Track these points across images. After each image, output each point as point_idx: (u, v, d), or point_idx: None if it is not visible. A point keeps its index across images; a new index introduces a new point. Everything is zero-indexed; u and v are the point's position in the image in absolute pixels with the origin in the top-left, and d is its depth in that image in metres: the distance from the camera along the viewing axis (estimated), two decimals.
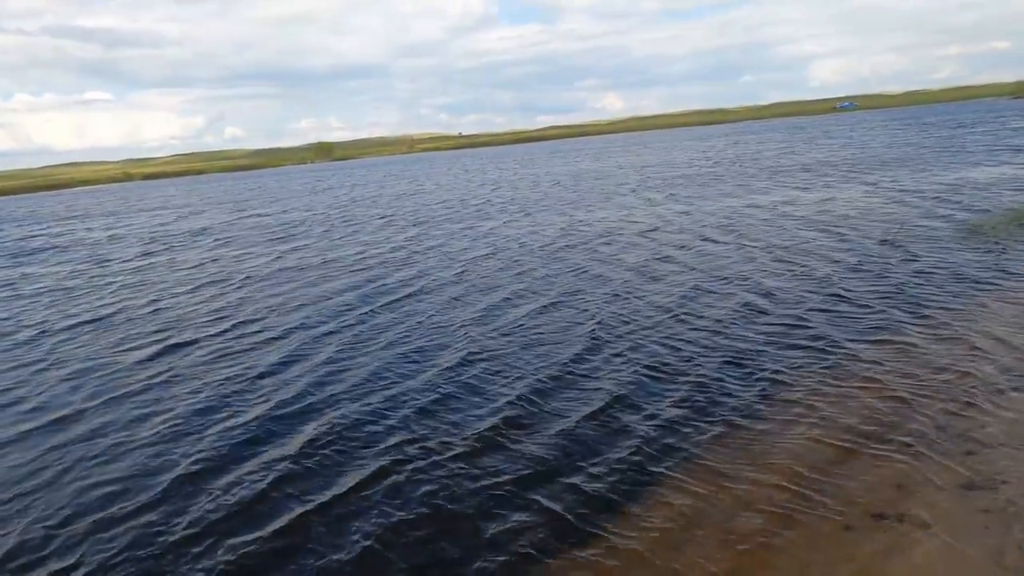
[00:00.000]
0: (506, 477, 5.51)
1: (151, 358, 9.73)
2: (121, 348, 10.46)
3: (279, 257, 18.49)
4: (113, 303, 14.05)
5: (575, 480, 5.39)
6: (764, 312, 9.27)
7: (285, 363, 8.90)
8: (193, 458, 6.30)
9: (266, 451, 6.35)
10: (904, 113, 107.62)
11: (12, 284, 17.86)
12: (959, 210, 15.60)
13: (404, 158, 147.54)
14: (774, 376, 7.04)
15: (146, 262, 19.95)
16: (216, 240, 24.05)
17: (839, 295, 9.69)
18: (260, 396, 7.79)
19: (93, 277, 17.92)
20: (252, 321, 11.40)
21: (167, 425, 7.16)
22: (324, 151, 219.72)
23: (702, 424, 6.14)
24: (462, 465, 5.76)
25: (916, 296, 9.32)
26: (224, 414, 7.35)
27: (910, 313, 8.63)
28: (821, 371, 7.10)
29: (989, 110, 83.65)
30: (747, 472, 5.32)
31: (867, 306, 9.04)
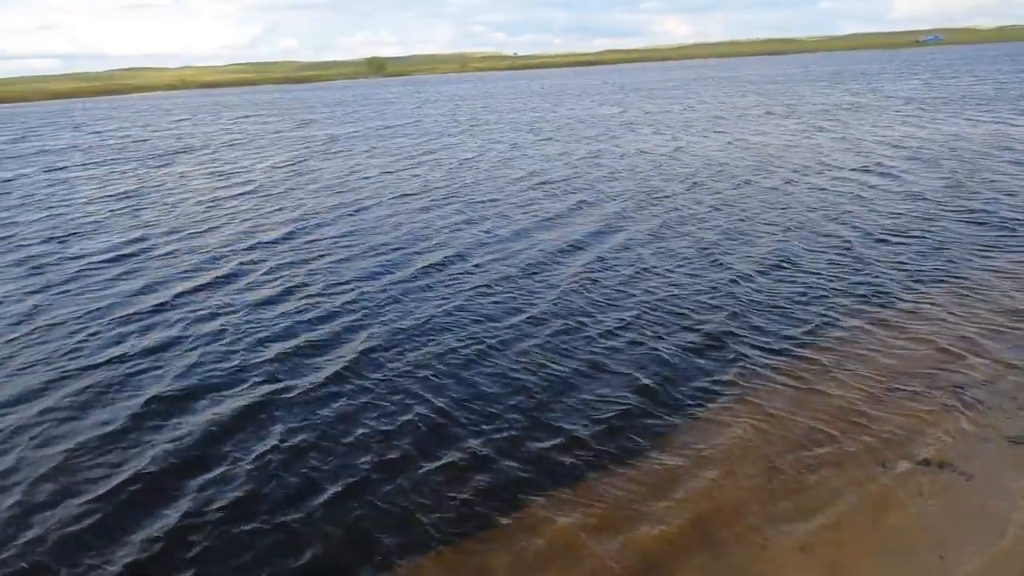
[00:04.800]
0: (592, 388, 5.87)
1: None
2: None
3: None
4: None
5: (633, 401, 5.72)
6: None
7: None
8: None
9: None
10: (998, 49, 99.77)
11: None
12: None
13: (462, 77, 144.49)
14: (827, 316, 7.11)
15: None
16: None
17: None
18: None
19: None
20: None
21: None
22: (376, 67, 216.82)
23: (759, 362, 6.32)
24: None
25: None
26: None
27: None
28: (875, 311, 7.18)
29: None
30: (792, 412, 5.46)
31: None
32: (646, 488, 4.69)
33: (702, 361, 6.43)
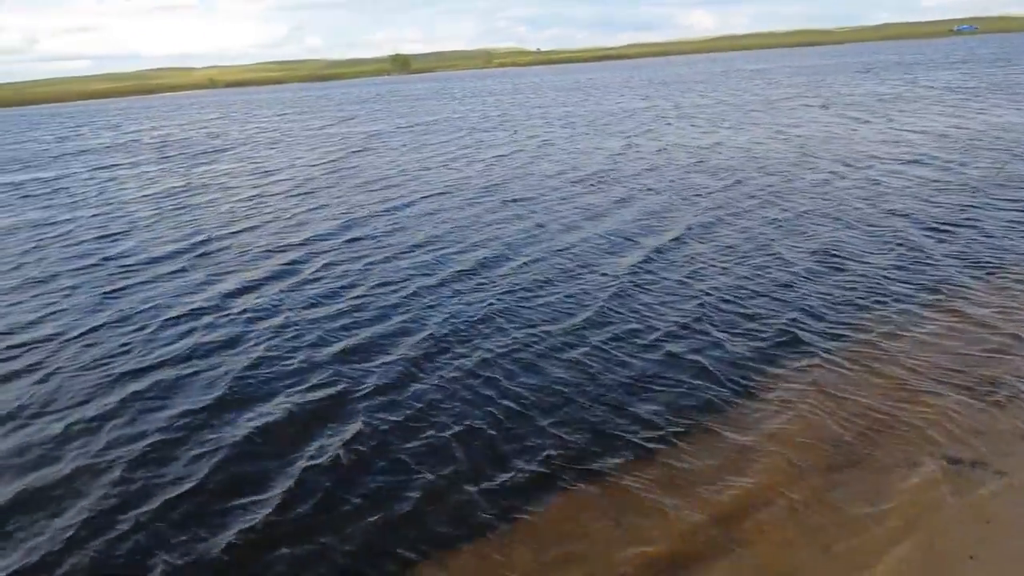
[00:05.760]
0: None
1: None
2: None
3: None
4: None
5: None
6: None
7: None
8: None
9: None
10: None
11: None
12: None
13: (486, 72, 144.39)
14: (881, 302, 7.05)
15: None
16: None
17: None
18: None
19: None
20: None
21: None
22: (401, 63, 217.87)
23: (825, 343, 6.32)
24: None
25: None
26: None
27: None
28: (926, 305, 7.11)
29: None
30: (830, 401, 5.49)
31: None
32: (717, 462, 4.82)
33: (769, 350, 6.40)
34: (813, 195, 12.56)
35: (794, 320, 7.01)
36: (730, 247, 9.73)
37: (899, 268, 8.36)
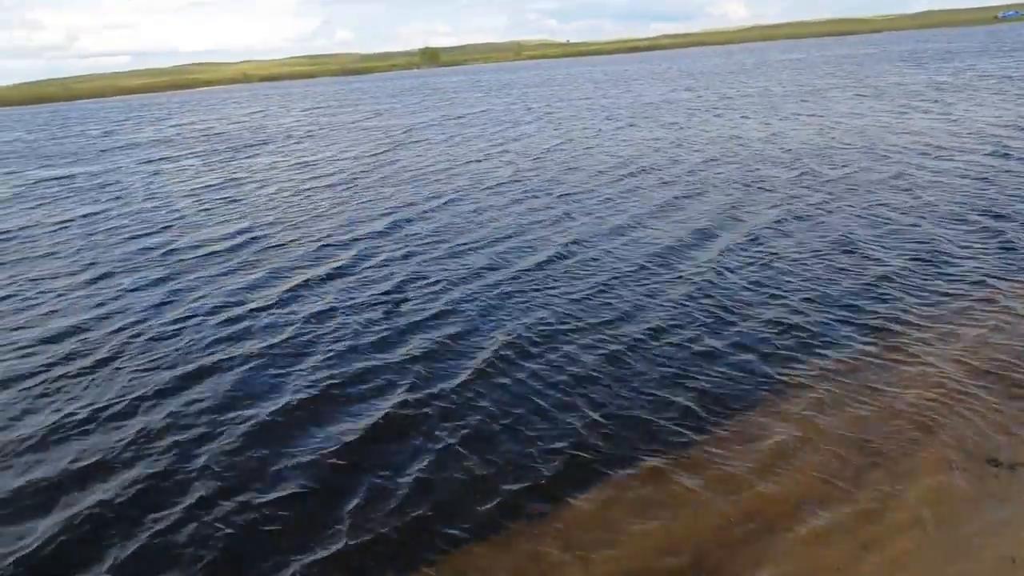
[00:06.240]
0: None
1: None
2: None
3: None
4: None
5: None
6: None
7: None
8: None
9: None
10: None
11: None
12: None
13: (516, 65, 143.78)
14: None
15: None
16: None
17: None
18: None
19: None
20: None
21: None
22: (430, 56, 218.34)
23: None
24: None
25: None
26: None
27: None
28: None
29: None
30: (878, 394, 5.35)
31: None
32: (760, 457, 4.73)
33: (869, 346, 6.04)
34: (887, 187, 11.97)
35: (897, 319, 6.61)
36: (805, 244, 9.28)
37: (989, 259, 7.97)
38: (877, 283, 7.60)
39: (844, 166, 13.99)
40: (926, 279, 7.63)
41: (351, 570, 4.00)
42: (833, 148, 16.06)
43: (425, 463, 4.89)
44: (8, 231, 13.86)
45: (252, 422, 5.57)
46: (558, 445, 5.00)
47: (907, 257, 8.37)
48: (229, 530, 4.37)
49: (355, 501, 4.54)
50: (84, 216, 14.80)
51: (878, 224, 9.86)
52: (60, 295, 9.38)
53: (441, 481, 4.71)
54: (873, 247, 8.85)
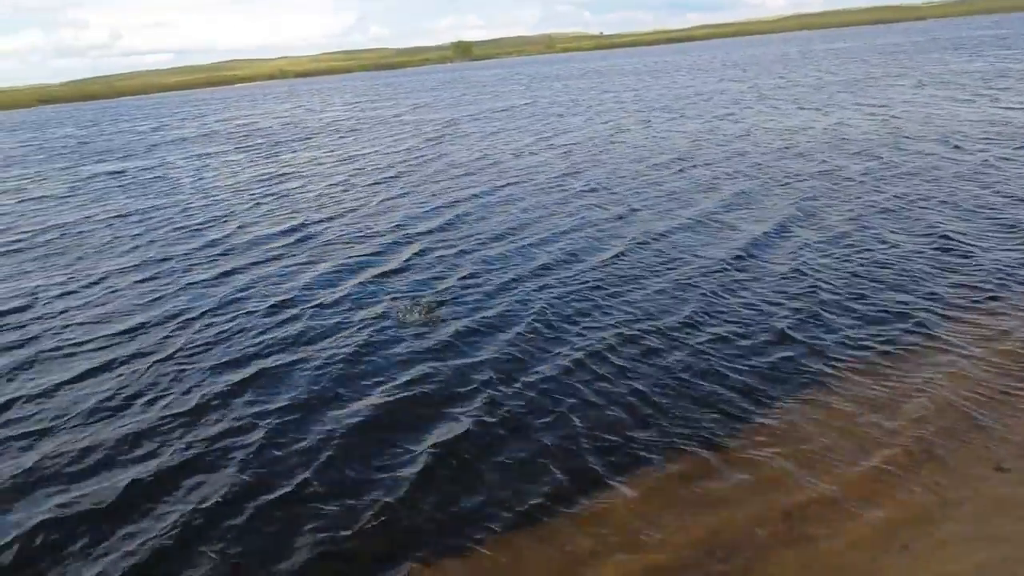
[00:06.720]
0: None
1: None
2: None
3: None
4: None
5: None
6: None
7: None
8: None
9: None
10: None
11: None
12: None
13: (550, 58, 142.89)
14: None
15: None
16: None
17: None
18: None
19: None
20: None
21: None
22: (463, 50, 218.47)
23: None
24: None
25: None
26: None
27: None
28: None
29: None
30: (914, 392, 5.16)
31: None
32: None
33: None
34: (921, 180, 11.38)
35: (908, 304, 6.45)
36: (836, 235, 8.96)
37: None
38: (904, 275, 7.38)
39: (874, 158, 13.44)
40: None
41: (382, 556, 4.00)
42: (866, 140, 15.34)
43: (464, 451, 4.92)
44: (65, 224, 13.98)
45: (304, 410, 5.61)
46: (598, 437, 4.96)
47: (932, 248, 8.17)
48: (278, 512, 4.42)
49: (395, 486, 4.59)
50: (138, 210, 14.86)
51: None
52: (117, 288, 9.39)
53: (481, 469, 4.72)
54: (898, 237, 8.63)
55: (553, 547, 3.97)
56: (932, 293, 6.87)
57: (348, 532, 4.19)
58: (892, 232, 8.86)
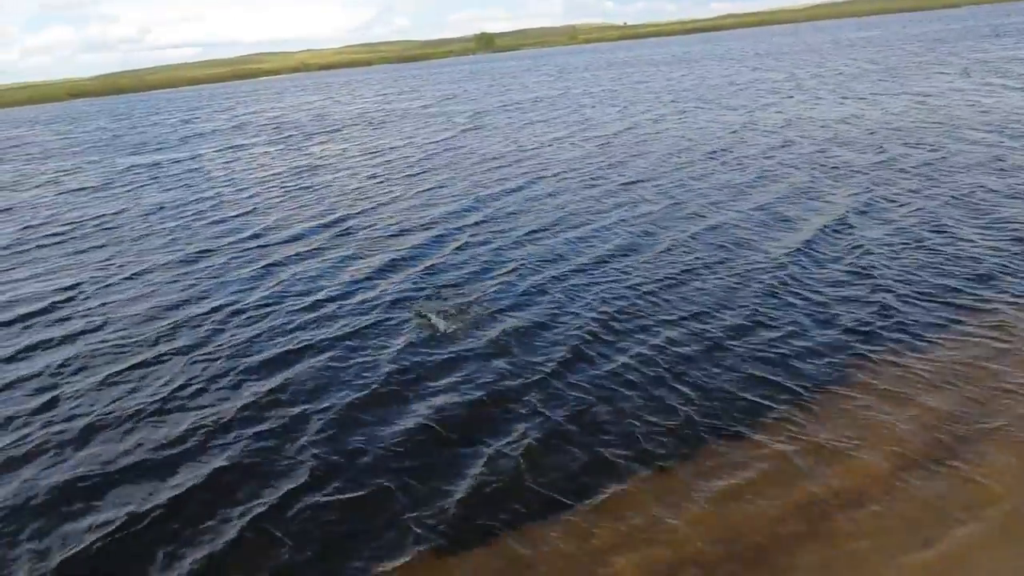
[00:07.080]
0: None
1: None
2: None
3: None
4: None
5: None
6: None
7: None
8: None
9: None
10: None
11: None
12: None
13: (573, 49, 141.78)
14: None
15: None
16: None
17: None
18: None
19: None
20: None
21: None
22: (485, 42, 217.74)
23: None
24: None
25: None
26: None
27: None
28: None
29: None
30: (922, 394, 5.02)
31: None
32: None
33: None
34: (984, 171, 10.86)
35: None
36: (898, 228, 8.58)
37: None
38: (973, 266, 7.15)
39: (927, 148, 12.76)
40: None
41: (408, 543, 4.01)
42: (916, 130, 14.67)
43: (497, 441, 4.90)
44: (103, 217, 13.97)
45: (345, 401, 5.59)
46: (622, 430, 4.90)
47: (1004, 239, 7.79)
48: (341, 499, 4.44)
49: (434, 475, 4.61)
50: (174, 202, 14.82)
51: (973, 208, 9.02)
52: (157, 282, 9.32)
53: (502, 461, 4.68)
54: (968, 230, 8.26)
55: (575, 538, 3.92)
56: (1004, 291, 6.48)
57: (375, 521, 4.21)
58: (962, 226, 8.41)
